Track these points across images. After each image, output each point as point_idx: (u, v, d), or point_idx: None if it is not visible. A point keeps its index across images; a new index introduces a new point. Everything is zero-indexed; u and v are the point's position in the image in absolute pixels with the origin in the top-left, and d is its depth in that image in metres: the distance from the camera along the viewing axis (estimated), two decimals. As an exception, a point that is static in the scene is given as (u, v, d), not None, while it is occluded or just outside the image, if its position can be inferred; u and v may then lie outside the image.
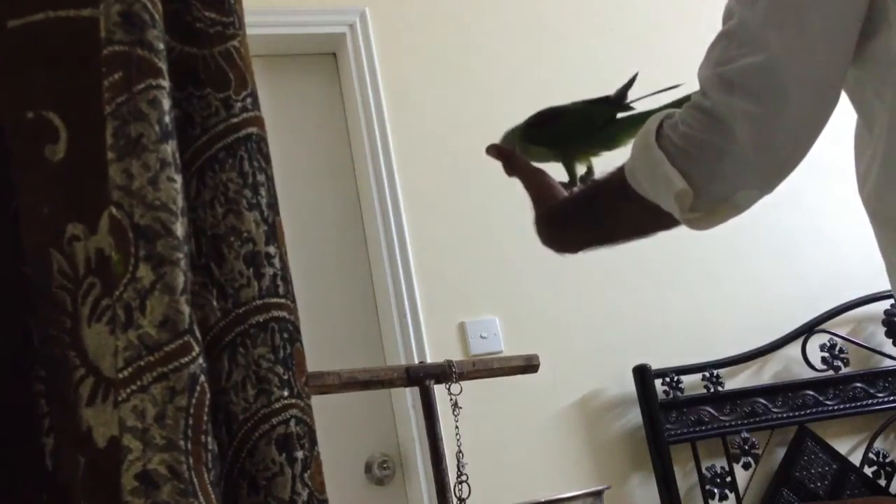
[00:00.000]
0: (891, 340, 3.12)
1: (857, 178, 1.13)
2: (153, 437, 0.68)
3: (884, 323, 3.13)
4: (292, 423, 0.85)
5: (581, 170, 1.53)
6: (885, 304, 3.14)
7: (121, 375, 0.69)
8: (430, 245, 3.00)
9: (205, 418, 0.71)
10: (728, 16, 1.06)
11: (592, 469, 2.93)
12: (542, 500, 1.86)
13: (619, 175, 1.19)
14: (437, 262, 2.99)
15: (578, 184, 1.51)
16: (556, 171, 1.51)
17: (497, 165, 3.19)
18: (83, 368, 0.73)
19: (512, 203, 3.13)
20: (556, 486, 2.58)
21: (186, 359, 0.71)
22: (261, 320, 0.87)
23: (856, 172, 1.13)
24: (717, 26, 1.09)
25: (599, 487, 1.94)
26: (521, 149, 1.59)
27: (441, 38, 3.24)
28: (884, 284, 3.28)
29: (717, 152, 1.02)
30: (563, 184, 1.51)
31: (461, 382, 2.00)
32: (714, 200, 1.06)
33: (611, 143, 1.49)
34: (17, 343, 0.83)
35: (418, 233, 3.00)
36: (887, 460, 3.08)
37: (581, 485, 2.50)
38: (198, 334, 0.74)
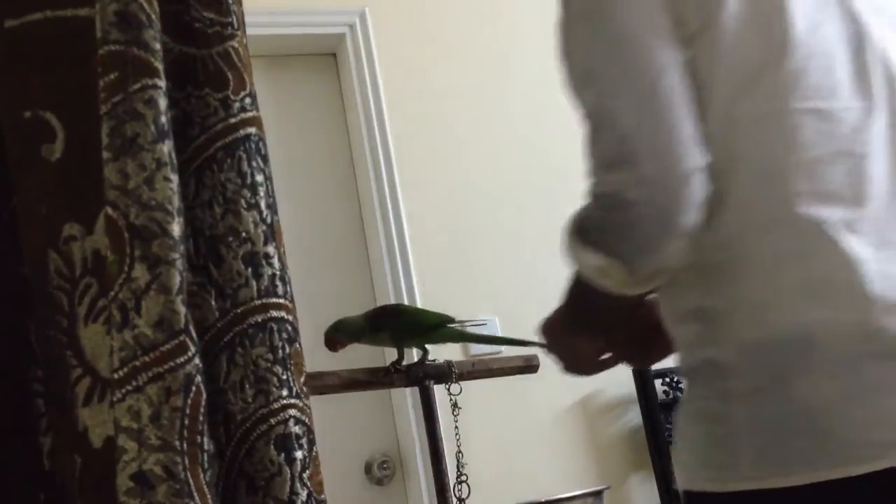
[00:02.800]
0: (891, 340, 3.11)
1: None
2: (148, 437, 0.67)
3: (884, 323, 3.12)
4: (291, 423, 0.85)
5: (419, 354, 1.92)
6: (886, 304, 3.13)
7: (116, 376, 0.69)
8: (430, 245, 3.00)
9: (200, 419, 0.71)
10: (584, 115, 1.16)
11: (592, 469, 2.93)
12: (542, 500, 1.86)
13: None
14: (437, 262, 2.98)
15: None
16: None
17: (497, 166, 3.19)
18: (80, 368, 0.73)
19: (512, 203, 3.14)
20: (556, 486, 2.57)
21: (182, 359, 0.71)
22: (259, 320, 0.87)
23: None
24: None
25: (599, 487, 1.93)
26: (367, 333, 1.97)
27: (441, 38, 3.23)
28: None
29: (622, 225, 1.10)
30: (394, 363, 1.91)
31: (461, 382, 1.99)
32: (633, 258, 1.11)
33: (438, 341, 1.94)
34: (15, 343, 0.83)
35: (418, 232, 2.99)
36: (887, 460, 3.07)
37: (581, 485, 2.49)
38: (194, 334, 0.73)
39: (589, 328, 1.37)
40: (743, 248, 1.11)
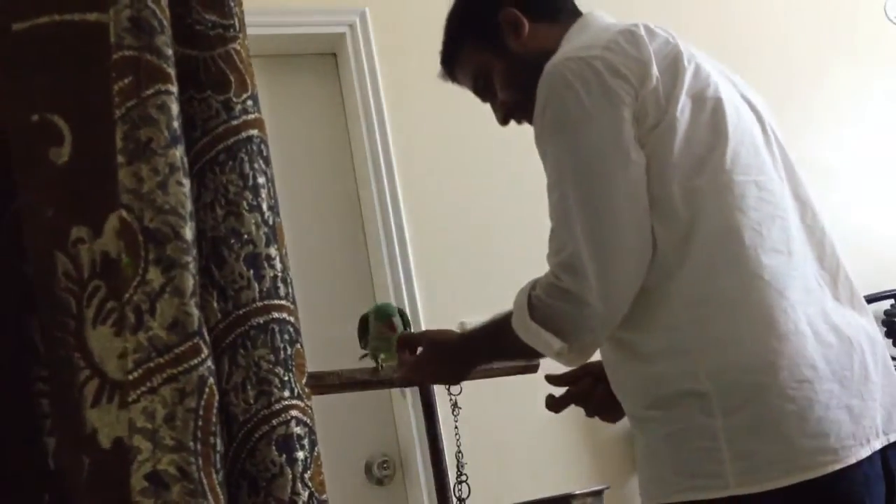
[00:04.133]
0: (891, 340, 3.12)
1: None
2: (163, 437, 0.68)
3: (884, 323, 3.13)
4: (293, 423, 0.85)
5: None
6: (885, 305, 3.14)
7: (131, 377, 0.69)
8: (430, 245, 3.00)
9: (213, 420, 0.71)
10: (551, 206, 1.41)
11: (592, 469, 2.93)
12: (542, 499, 1.87)
13: (506, 320, 1.50)
14: (437, 262, 2.99)
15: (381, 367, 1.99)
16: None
17: (498, 165, 3.19)
18: (88, 370, 0.73)
19: (512, 203, 3.14)
20: (556, 485, 2.58)
21: (196, 361, 0.72)
22: (261, 322, 0.87)
23: None
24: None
25: (599, 487, 1.94)
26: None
27: (441, 38, 3.23)
28: (883, 284, 3.29)
29: (577, 315, 1.36)
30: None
31: (461, 382, 2.00)
32: (583, 345, 1.41)
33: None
34: (17, 342, 0.83)
35: (418, 233, 3.00)
36: (887, 460, 3.08)
37: (581, 485, 2.50)
38: (207, 337, 0.74)
39: (482, 364, 1.73)
40: (707, 293, 1.34)
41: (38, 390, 0.85)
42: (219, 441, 0.73)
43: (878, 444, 1.33)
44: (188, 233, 0.74)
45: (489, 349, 1.65)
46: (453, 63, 1.80)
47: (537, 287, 1.40)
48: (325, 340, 2.82)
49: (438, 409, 2.03)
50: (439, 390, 2.03)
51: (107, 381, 0.73)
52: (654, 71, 1.37)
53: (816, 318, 1.35)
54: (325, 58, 3.24)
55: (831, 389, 1.31)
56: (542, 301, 1.38)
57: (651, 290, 1.37)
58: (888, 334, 3.13)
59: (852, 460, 1.28)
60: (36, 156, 0.78)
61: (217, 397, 0.73)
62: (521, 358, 1.67)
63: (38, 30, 0.80)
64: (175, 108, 0.77)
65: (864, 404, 1.33)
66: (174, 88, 0.78)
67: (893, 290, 3.18)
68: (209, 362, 0.74)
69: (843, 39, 3.69)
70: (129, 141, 0.74)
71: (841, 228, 3.31)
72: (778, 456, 1.28)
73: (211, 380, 0.73)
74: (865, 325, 1.44)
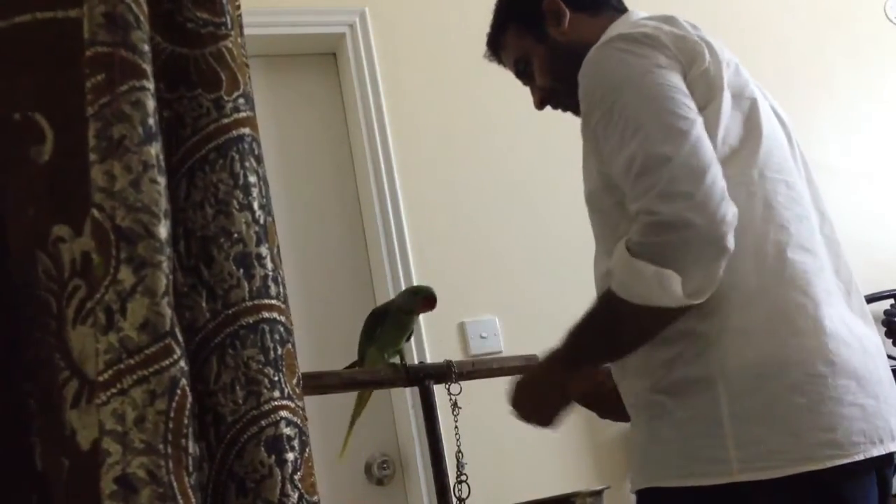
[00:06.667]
0: (891, 340, 3.11)
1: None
2: (132, 440, 0.67)
3: (883, 323, 3.12)
4: (282, 424, 0.85)
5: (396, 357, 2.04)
6: (885, 304, 3.13)
7: (101, 378, 0.68)
8: (430, 245, 3.00)
9: (185, 422, 0.70)
10: (626, 163, 1.36)
11: (592, 469, 2.92)
12: (542, 499, 1.86)
13: (603, 304, 1.43)
14: (437, 262, 2.98)
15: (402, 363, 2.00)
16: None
17: (497, 165, 3.18)
18: (68, 371, 0.73)
19: (512, 203, 3.14)
20: (556, 485, 2.57)
21: (167, 362, 0.71)
22: (251, 321, 0.87)
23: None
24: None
25: (599, 487, 1.93)
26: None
27: (441, 38, 3.23)
28: (883, 284, 3.28)
29: (682, 243, 1.28)
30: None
31: (461, 382, 1.99)
32: (705, 273, 1.31)
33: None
34: (5, 343, 0.82)
35: (418, 233, 2.99)
36: (888, 460, 3.07)
37: (581, 485, 2.49)
38: (180, 337, 0.73)
39: (591, 361, 1.57)
40: (728, 282, 1.32)
41: (27, 390, 0.84)
42: (191, 443, 0.72)
43: (893, 447, 1.33)
44: (162, 231, 0.74)
45: (586, 346, 1.50)
46: (498, 45, 1.82)
47: (632, 238, 1.33)
48: (326, 340, 2.82)
49: (438, 409, 2.03)
50: (439, 390, 2.02)
51: (86, 382, 0.72)
52: (706, 54, 1.42)
53: (836, 319, 1.37)
54: (325, 58, 3.23)
55: (847, 385, 1.32)
56: (644, 243, 1.30)
57: None
58: (888, 334, 3.12)
59: (860, 457, 1.29)
60: (17, 155, 0.77)
61: (190, 399, 0.72)
62: (630, 335, 1.44)
63: (18, 28, 0.79)
64: (151, 105, 0.76)
65: (879, 405, 1.34)
66: (150, 85, 0.77)
67: (893, 290, 3.17)
68: (182, 363, 0.73)
69: (843, 39, 3.68)
70: (101, 139, 0.73)
71: (841, 228, 3.32)
72: (783, 445, 1.28)
73: (183, 381, 0.72)
74: (875, 339, 1.45)
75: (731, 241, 1.29)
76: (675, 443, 1.36)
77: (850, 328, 1.39)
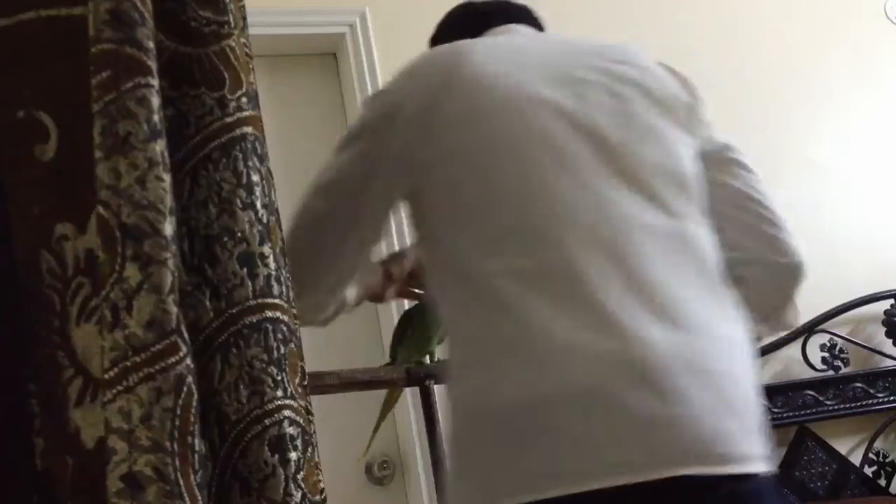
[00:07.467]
0: (891, 340, 3.11)
1: None
2: (139, 438, 0.67)
3: (884, 323, 3.12)
4: (285, 424, 0.85)
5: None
6: (885, 304, 3.13)
7: (107, 376, 0.68)
8: (429, 245, 2.99)
9: (192, 419, 0.70)
10: None
11: (592, 469, 2.92)
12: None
13: None
14: (437, 262, 2.97)
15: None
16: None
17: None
18: (72, 369, 0.72)
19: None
20: (556, 486, 2.57)
21: (173, 359, 0.71)
22: (254, 321, 0.86)
23: None
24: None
25: (598, 487, 1.92)
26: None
27: (441, 38, 3.23)
28: (883, 284, 3.28)
29: None
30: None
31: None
32: None
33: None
34: (8, 342, 0.82)
35: (418, 233, 2.98)
36: (887, 460, 3.07)
37: (581, 485, 2.48)
38: (185, 335, 0.73)
39: None
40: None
41: (29, 390, 0.84)
42: (198, 441, 0.72)
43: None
44: (167, 228, 0.73)
45: None
46: None
47: None
48: (326, 340, 2.82)
49: (438, 409, 2.02)
50: (440, 390, 2.02)
51: (90, 380, 0.72)
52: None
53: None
54: (325, 58, 3.23)
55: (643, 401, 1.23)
56: None
57: None
58: (888, 334, 3.12)
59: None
60: (22, 153, 0.77)
61: (196, 396, 0.72)
62: None
63: (23, 26, 0.79)
64: (156, 102, 0.76)
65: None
66: (155, 81, 0.77)
67: (893, 290, 3.17)
68: (188, 361, 0.73)
69: (843, 39, 3.67)
70: (106, 136, 0.73)
71: (840, 228, 3.32)
72: (564, 464, 1.17)
73: (189, 378, 0.72)
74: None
75: None
76: (480, 468, 1.26)
77: None
